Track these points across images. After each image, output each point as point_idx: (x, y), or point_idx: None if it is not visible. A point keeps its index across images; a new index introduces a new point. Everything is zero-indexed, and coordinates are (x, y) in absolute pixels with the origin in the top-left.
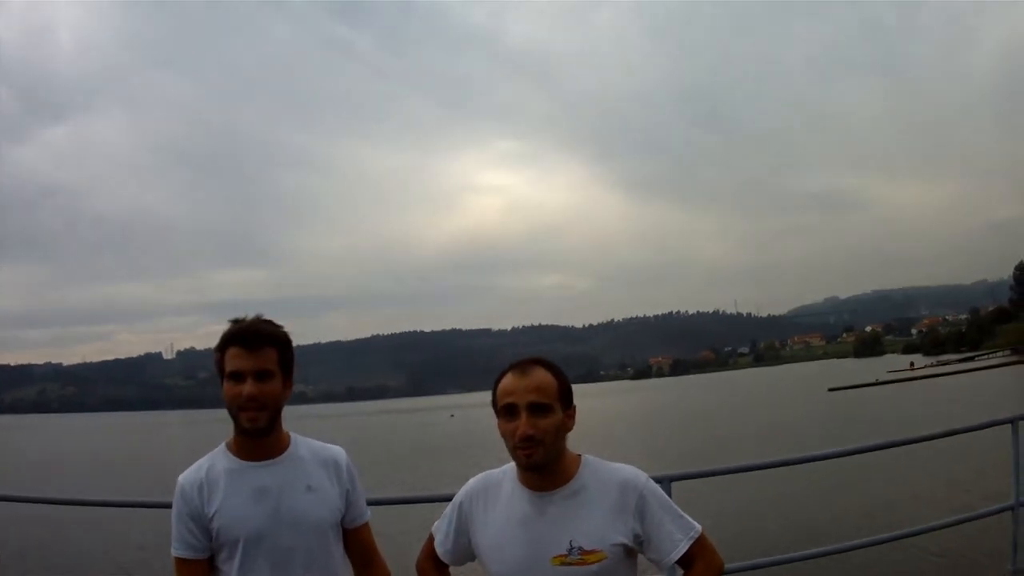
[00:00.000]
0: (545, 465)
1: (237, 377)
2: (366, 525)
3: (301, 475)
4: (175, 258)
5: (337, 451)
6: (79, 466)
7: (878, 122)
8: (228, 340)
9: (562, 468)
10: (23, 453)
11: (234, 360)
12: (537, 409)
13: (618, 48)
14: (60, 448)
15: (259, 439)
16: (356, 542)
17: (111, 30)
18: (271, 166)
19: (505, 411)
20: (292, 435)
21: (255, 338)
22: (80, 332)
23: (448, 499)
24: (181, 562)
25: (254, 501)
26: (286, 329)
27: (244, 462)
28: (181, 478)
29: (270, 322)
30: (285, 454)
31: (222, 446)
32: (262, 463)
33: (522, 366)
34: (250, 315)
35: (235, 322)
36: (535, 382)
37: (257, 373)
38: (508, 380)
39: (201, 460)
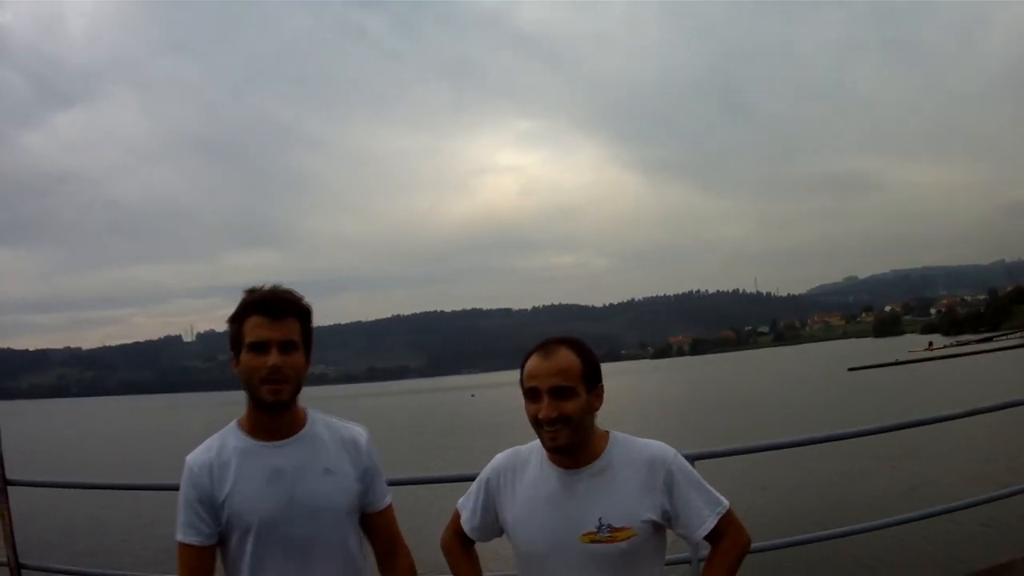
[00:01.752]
0: (569, 447)
1: (260, 348)
2: (388, 509)
3: (318, 456)
4: (189, 241)
5: (357, 430)
6: (102, 450)
7: (894, 104)
8: (249, 308)
9: (590, 445)
10: (44, 438)
11: (256, 330)
12: (559, 393)
13: (632, 31)
14: (81, 432)
15: (276, 415)
16: (377, 527)
17: (122, 16)
18: (285, 149)
19: (529, 394)
20: (308, 412)
21: (280, 307)
22: (96, 316)
23: (470, 479)
24: (186, 548)
25: (268, 484)
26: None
27: (257, 442)
28: (189, 458)
29: (292, 291)
30: (301, 433)
31: (232, 424)
32: (277, 443)
33: (546, 348)
34: (267, 285)
35: (251, 291)
36: (558, 365)
37: (282, 344)
38: (532, 362)
39: (210, 439)
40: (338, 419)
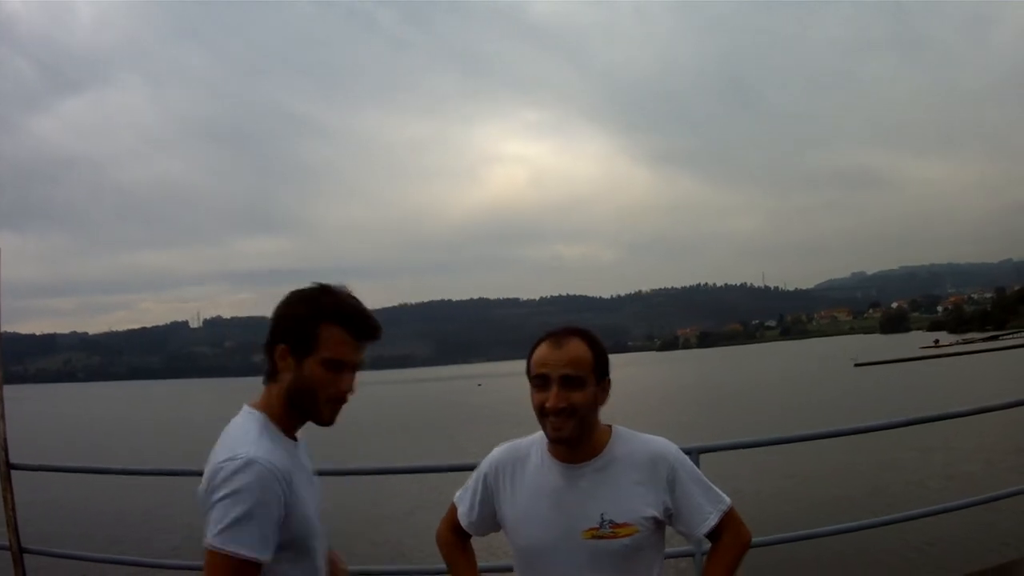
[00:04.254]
0: (572, 439)
1: (337, 366)
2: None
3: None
4: (198, 228)
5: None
6: (107, 435)
7: (903, 100)
8: (337, 317)
9: (593, 440)
10: (49, 422)
11: (341, 347)
12: (570, 382)
13: (642, 22)
14: (86, 417)
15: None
16: None
17: (130, 4)
18: (294, 136)
19: (538, 381)
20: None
21: (373, 333)
22: (104, 301)
23: (471, 468)
24: (247, 565)
25: (312, 498)
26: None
27: (291, 444)
28: (265, 458)
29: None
30: (301, 442)
31: (264, 419)
32: (295, 447)
33: (558, 336)
34: (345, 288)
35: (329, 292)
36: (570, 354)
37: (356, 368)
38: (543, 350)
39: (259, 434)
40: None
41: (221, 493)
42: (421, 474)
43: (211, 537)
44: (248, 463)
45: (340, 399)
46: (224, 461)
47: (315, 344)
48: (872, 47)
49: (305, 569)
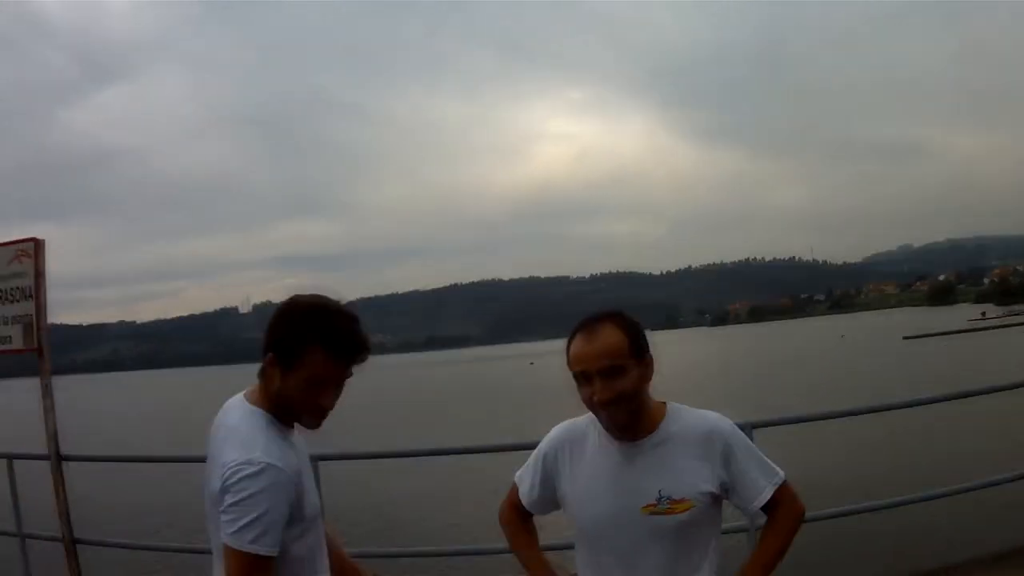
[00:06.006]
0: (630, 423)
1: (319, 384)
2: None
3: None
4: (243, 213)
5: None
6: (157, 423)
7: (945, 72)
8: (325, 341)
9: (647, 417)
10: (99, 412)
11: (323, 368)
12: (611, 372)
13: None
14: (136, 405)
15: None
16: None
17: None
18: (336, 119)
19: (580, 377)
20: None
21: (358, 357)
22: (151, 289)
23: (529, 447)
24: (263, 560)
25: (311, 481)
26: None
27: (291, 435)
28: (280, 465)
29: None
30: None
31: (265, 415)
32: (294, 437)
33: (589, 328)
34: (350, 306)
35: (320, 311)
36: (603, 346)
37: (342, 383)
38: (578, 345)
39: (273, 440)
40: None
41: (238, 497)
42: (475, 454)
43: (228, 537)
44: (264, 469)
45: (319, 413)
46: (240, 464)
47: (298, 364)
48: (908, 18)
49: (310, 543)
